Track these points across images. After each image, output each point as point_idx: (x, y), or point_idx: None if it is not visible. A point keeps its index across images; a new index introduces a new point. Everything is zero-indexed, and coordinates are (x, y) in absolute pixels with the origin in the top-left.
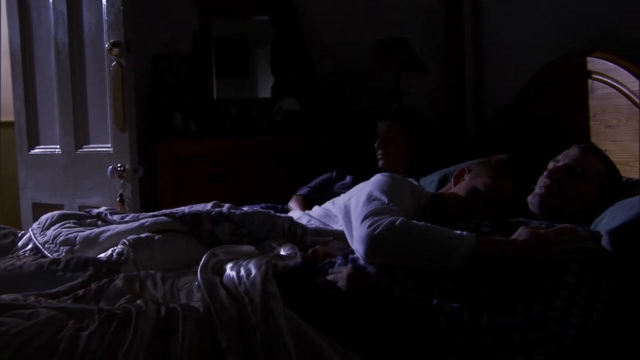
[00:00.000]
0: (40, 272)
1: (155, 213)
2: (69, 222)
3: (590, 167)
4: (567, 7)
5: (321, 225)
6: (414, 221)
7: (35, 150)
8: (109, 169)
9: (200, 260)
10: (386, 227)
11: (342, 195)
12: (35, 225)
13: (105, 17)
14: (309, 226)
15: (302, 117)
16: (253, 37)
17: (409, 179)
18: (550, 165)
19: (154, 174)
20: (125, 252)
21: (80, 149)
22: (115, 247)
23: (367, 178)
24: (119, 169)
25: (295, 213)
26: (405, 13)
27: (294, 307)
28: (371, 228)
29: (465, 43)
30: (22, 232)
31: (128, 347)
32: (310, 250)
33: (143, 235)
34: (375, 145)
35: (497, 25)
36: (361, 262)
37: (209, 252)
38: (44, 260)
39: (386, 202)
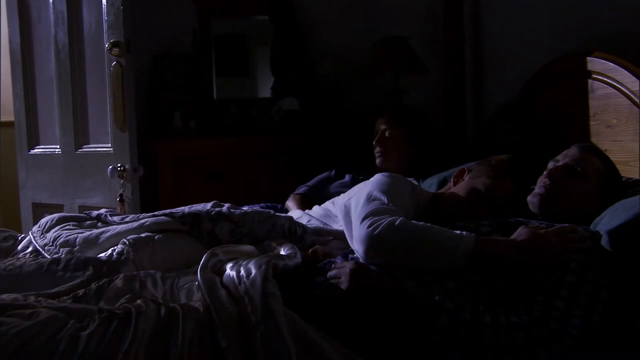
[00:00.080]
0: (40, 271)
1: (155, 213)
2: (69, 225)
3: (590, 167)
4: (567, 7)
5: (321, 225)
6: (413, 221)
7: (35, 150)
8: (109, 169)
9: (200, 260)
10: (386, 227)
11: (342, 195)
12: (35, 228)
13: (105, 17)
14: (308, 226)
15: (302, 117)
16: (253, 36)
17: (409, 179)
18: (550, 165)
19: (154, 173)
20: (125, 251)
21: (80, 148)
22: (115, 247)
23: (366, 177)
24: (119, 168)
25: (295, 213)
26: (405, 13)
27: (294, 307)
28: (371, 228)
29: (465, 43)
30: (22, 235)
31: (128, 347)
32: (310, 250)
33: (143, 235)
34: (374, 142)
35: (497, 25)
36: (361, 261)
37: (208, 251)
38: (43, 260)
39: (386, 202)
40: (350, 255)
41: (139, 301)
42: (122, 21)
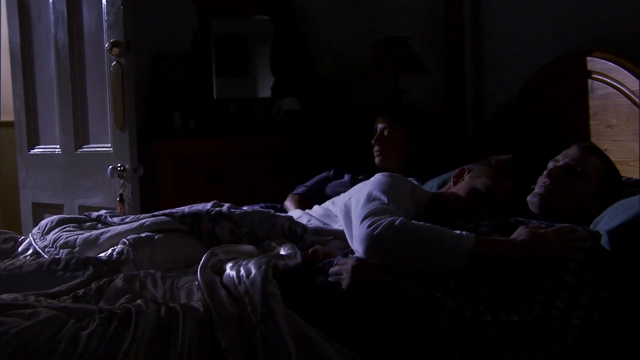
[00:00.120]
0: (40, 271)
1: (155, 213)
2: (69, 226)
3: (590, 167)
4: (567, 7)
5: (321, 225)
6: (413, 221)
7: (35, 150)
8: (109, 169)
9: (200, 260)
10: (385, 227)
11: (342, 195)
12: (35, 230)
13: (105, 17)
14: (308, 226)
15: (302, 117)
16: (253, 36)
17: (409, 179)
18: (550, 165)
19: (154, 173)
20: (125, 251)
21: (80, 148)
22: (115, 247)
23: (365, 176)
24: (119, 168)
25: (296, 212)
26: (405, 13)
27: (294, 307)
28: (371, 228)
29: (465, 43)
30: (23, 237)
31: (128, 346)
32: (310, 250)
33: (143, 234)
34: (372, 141)
35: (497, 25)
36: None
37: (208, 251)
38: (43, 259)
39: (386, 202)
40: (350, 255)
41: (139, 301)
42: (122, 21)
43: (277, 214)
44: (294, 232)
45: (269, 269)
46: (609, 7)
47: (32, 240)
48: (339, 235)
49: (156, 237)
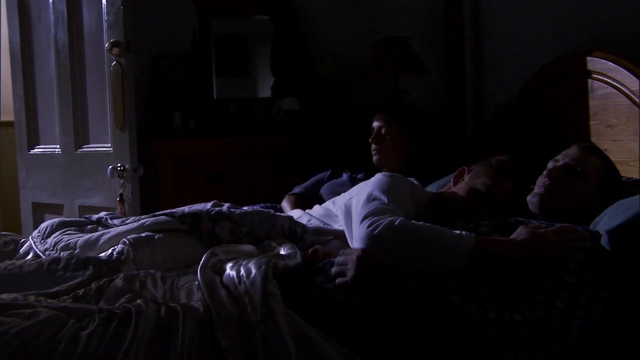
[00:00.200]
0: (40, 271)
1: (156, 213)
2: (70, 229)
3: (590, 167)
4: (567, 7)
5: (321, 225)
6: (413, 221)
7: (35, 150)
8: (109, 169)
9: (200, 260)
10: (385, 227)
11: (342, 195)
12: (35, 233)
13: (105, 17)
14: (309, 225)
15: (302, 117)
16: (253, 36)
17: (409, 179)
18: (550, 164)
19: (154, 173)
20: (125, 251)
21: (80, 148)
22: (115, 247)
23: (364, 176)
24: (119, 168)
25: (296, 212)
26: (405, 13)
27: (294, 307)
28: (370, 228)
29: (465, 43)
30: (23, 239)
31: (128, 346)
32: (310, 250)
33: (143, 234)
34: (370, 140)
35: (497, 25)
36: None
37: (208, 251)
38: (44, 259)
39: (386, 202)
40: None
41: (139, 301)
42: (122, 21)
43: (277, 214)
44: (294, 232)
45: (269, 269)
46: (609, 7)
47: (33, 244)
48: (339, 235)
49: (156, 236)
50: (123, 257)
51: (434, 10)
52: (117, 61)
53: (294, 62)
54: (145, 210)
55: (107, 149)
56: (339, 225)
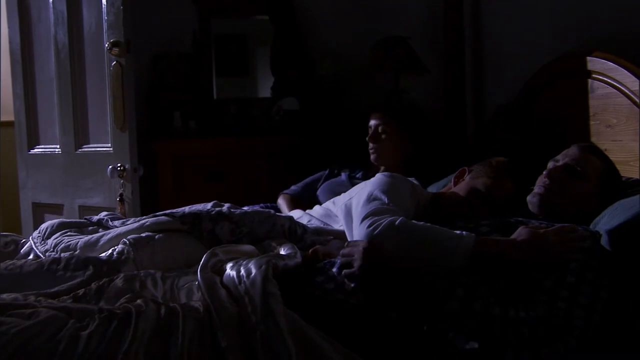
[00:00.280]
0: (41, 271)
1: (156, 214)
2: (70, 231)
3: (590, 167)
4: (567, 7)
5: (322, 225)
6: (413, 221)
7: (35, 150)
8: (109, 169)
9: (200, 260)
10: (386, 227)
11: (342, 195)
12: (35, 234)
13: (105, 17)
14: (309, 226)
15: (302, 117)
16: (253, 36)
17: (409, 179)
18: (550, 164)
19: (154, 173)
20: (125, 251)
21: (80, 148)
22: (115, 247)
23: (362, 174)
24: (119, 168)
25: (296, 213)
26: (405, 13)
27: (294, 307)
28: (371, 228)
29: (465, 43)
30: (24, 240)
31: (128, 346)
32: (310, 250)
33: (143, 234)
34: (367, 138)
35: (497, 25)
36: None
37: (209, 251)
38: (44, 259)
39: (386, 201)
40: None
41: (139, 301)
42: (122, 21)
43: (277, 214)
44: (294, 232)
45: (269, 269)
46: (609, 7)
47: (33, 244)
48: (340, 236)
49: (156, 237)
50: (123, 257)
51: (434, 10)
52: (117, 61)
53: (294, 62)
54: (145, 210)
55: (107, 149)
56: (339, 225)
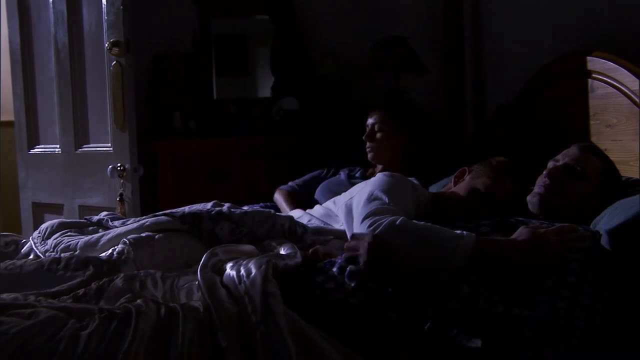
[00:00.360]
0: (41, 271)
1: (156, 214)
2: (70, 231)
3: (590, 167)
4: (567, 7)
5: (322, 225)
6: (414, 221)
7: (35, 150)
8: (108, 169)
9: (200, 260)
10: (386, 227)
11: (343, 194)
12: (35, 234)
13: (105, 17)
14: (309, 225)
15: (302, 117)
16: (253, 36)
17: (409, 179)
18: (550, 164)
19: (154, 173)
20: (125, 251)
21: (80, 148)
22: (115, 247)
23: (360, 173)
24: (118, 168)
25: (296, 212)
26: (405, 13)
27: (294, 307)
28: (371, 228)
29: (465, 43)
30: (24, 240)
31: (128, 346)
32: (310, 250)
33: (143, 234)
34: (363, 137)
35: (497, 25)
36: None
37: (209, 251)
38: (44, 259)
39: (387, 201)
40: None
41: (139, 301)
42: (122, 21)
43: (277, 213)
44: (294, 232)
45: (269, 269)
46: (609, 7)
47: (33, 245)
48: (340, 235)
49: (156, 236)
50: (123, 257)
51: (434, 10)
52: (117, 61)
53: (294, 62)
54: (145, 210)
55: (107, 148)
56: (339, 225)
